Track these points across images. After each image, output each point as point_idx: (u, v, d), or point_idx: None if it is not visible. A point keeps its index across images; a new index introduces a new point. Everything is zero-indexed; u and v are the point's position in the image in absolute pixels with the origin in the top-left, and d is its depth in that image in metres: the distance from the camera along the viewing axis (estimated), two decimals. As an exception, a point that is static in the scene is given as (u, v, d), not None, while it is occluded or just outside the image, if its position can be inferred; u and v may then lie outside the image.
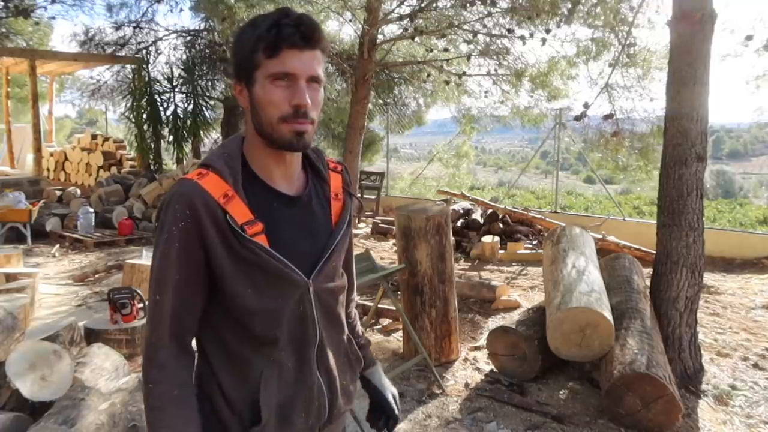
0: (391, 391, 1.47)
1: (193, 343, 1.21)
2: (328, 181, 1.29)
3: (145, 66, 12.22)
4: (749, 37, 4.45)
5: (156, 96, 11.91)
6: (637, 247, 7.23)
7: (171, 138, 12.07)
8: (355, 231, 9.13)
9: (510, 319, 4.20)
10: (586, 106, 5.97)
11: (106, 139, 12.84)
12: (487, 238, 7.73)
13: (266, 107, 1.12)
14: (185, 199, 1.10)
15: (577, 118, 6.34)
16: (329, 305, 1.26)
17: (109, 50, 12.94)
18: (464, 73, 9.32)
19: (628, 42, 6.62)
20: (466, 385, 3.77)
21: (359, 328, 1.49)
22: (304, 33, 1.09)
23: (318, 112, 1.16)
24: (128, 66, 12.86)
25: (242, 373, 1.18)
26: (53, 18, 14.39)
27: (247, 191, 1.14)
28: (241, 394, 1.17)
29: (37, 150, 11.53)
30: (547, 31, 7.30)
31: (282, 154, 1.18)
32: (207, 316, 1.18)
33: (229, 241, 1.11)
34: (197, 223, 1.09)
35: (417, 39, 8.92)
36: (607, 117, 6.62)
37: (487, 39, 8.50)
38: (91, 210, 8.73)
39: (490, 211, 8.52)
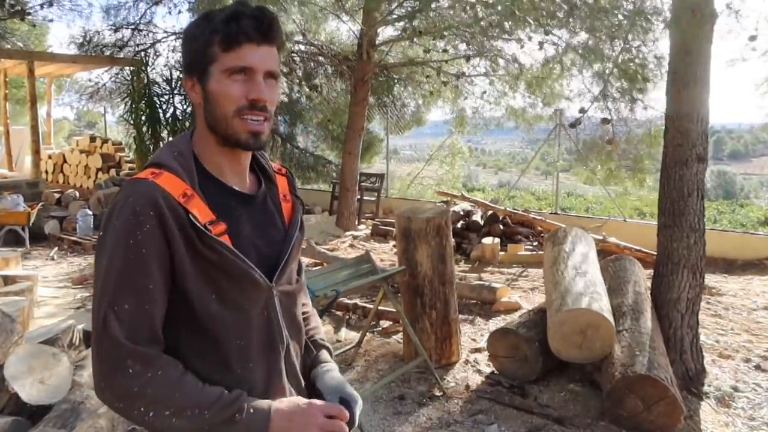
0: (342, 392, 1.22)
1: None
2: (275, 182, 1.27)
3: (143, 68, 12.18)
4: (753, 37, 4.43)
5: (155, 98, 11.87)
6: (638, 248, 7.22)
7: (170, 140, 12.07)
8: (354, 233, 9.11)
9: (510, 320, 4.18)
10: (582, 111, 5.93)
11: (105, 141, 12.80)
12: (487, 240, 7.72)
13: (222, 101, 1.08)
14: (147, 199, 1.02)
15: (573, 125, 6.30)
16: (290, 309, 1.22)
17: (107, 52, 12.92)
18: (462, 74, 9.31)
19: (625, 47, 6.59)
20: (467, 387, 3.76)
21: (320, 328, 1.40)
22: (263, 27, 1.07)
23: (274, 108, 1.13)
24: (127, 68, 12.83)
25: None
26: (51, 20, 14.36)
27: (203, 190, 1.09)
28: None
29: (36, 152, 11.49)
30: (546, 33, 7.29)
31: (235, 152, 1.14)
32: (165, 330, 1.07)
33: (192, 241, 1.05)
34: (163, 224, 1.03)
35: (415, 40, 8.92)
36: (605, 122, 6.57)
37: (485, 41, 8.49)
38: (90, 212, 8.71)
39: (490, 212, 8.50)
